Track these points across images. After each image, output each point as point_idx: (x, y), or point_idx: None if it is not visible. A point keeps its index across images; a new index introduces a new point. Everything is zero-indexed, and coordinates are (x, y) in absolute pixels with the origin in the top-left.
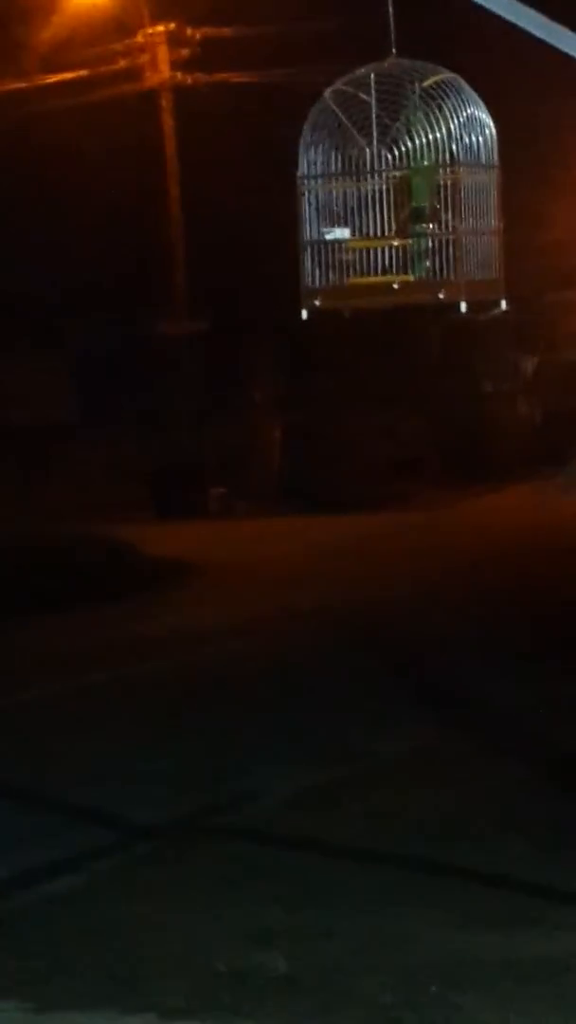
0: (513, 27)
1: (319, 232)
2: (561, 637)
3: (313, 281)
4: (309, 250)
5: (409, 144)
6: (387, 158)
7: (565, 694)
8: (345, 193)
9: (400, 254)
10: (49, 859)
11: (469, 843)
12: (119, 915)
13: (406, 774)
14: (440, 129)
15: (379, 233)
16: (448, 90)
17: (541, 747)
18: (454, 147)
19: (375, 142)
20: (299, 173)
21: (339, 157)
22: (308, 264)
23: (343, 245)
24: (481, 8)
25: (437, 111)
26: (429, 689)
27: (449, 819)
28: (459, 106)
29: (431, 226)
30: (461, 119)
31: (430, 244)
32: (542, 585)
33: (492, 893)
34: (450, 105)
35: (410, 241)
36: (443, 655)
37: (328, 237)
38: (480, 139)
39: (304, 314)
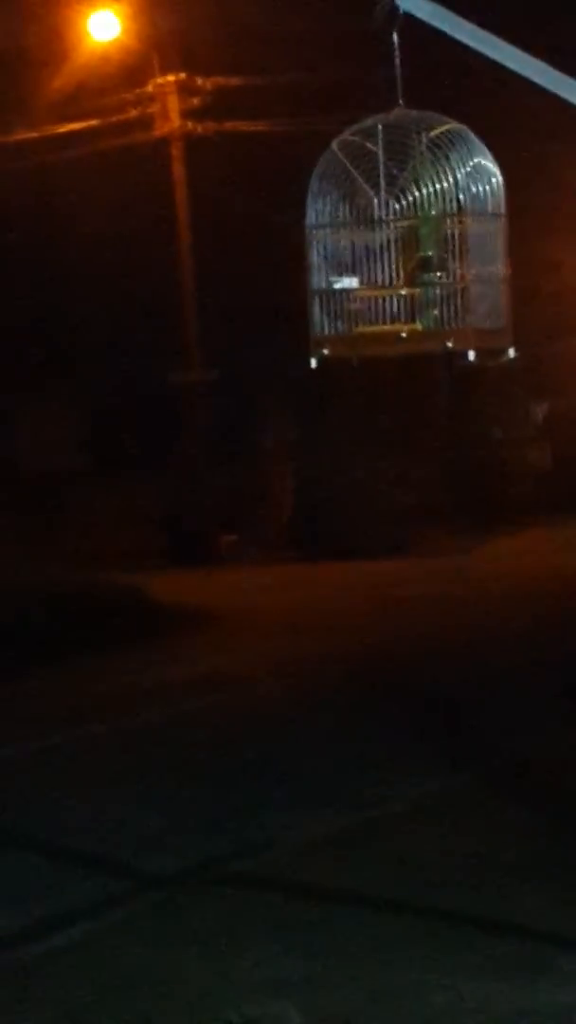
0: (518, 75)
1: (328, 281)
2: (574, 683)
3: (322, 330)
4: (318, 299)
5: (416, 194)
6: (395, 208)
7: None
8: (353, 242)
9: (408, 303)
10: (59, 910)
11: (482, 891)
12: (131, 965)
13: (418, 821)
14: (447, 179)
15: (387, 282)
16: (454, 140)
17: (555, 794)
18: (461, 196)
19: (383, 192)
20: (307, 222)
21: (347, 207)
22: (317, 313)
23: (351, 294)
24: (487, 58)
25: (444, 161)
26: (441, 735)
27: (462, 866)
28: (465, 156)
29: (439, 275)
30: (468, 169)
31: (438, 293)
32: (555, 631)
33: (506, 941)
34: (457, 155)
35: (418, 290)
36: (456, 701)
37: (336, 286)
38: (487, 188)
39: (313, 362)
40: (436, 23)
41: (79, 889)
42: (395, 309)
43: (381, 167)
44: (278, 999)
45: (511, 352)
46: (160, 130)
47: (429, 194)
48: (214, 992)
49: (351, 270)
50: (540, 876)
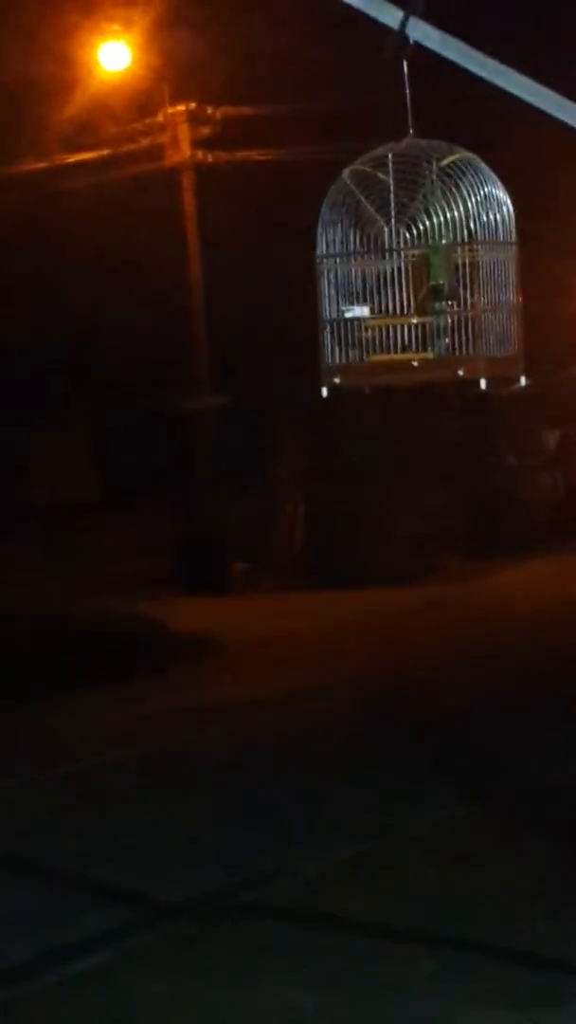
0: (528, 104)
1: (338, 310)
2: None
3: (333, 359)
4: (329, 328)
5: (427, 223)
6: (405, 237)
7: None
8: (364, 272)
9: (419, 331)
10: (72, 939)
11: (497, 920)
12: (143, 995)
13: (433, 850)
14: (458, 208)
15: (398, 311)
16: (465, 169)
17: (567, 821)
18: (472, 225)
19: (393, 221)
20: (318, 252)
21: (358, 236)
22: (328, 342)
23: (362, 323)
24: (497, 87)
25: (454, 190)
26: (455, 763)
27: (476, 895)
28: (476, 185)
29: (450, 303)
30: (478, 197)
31: (449, 321)
32: (569, 657)
33: (520, 970)
34: (467, 184)
35: (429, 319)
36: (469, 729)
37: (347, 315)
38: (498, 217)
39: (324, 391)
40: (446, 53)
41: (93, 919)
42: (406, 338)
43: (392, 196)
44: None
45: (522, 380)
46: (171, 160)
47: (440, 223)
48: (227, 1022)
49: (362, 299)
50: (556, 903)
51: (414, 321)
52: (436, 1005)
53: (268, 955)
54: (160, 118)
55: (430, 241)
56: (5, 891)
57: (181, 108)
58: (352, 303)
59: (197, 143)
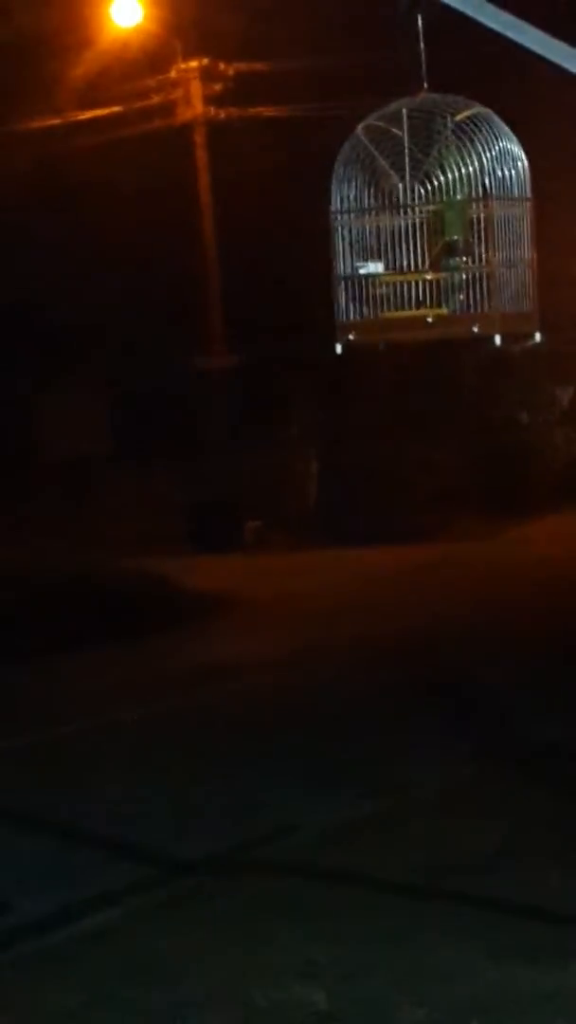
0: (543, 59)
1: (353, 267)
2: None
3: (347, 315)
4: (343, 284)
5: (441, 178)
6: (420, 192)
7: None
8: (378, 227)
9: (434, 288)
10: (88, 895)
11: (508, 875)
12: (158, 950)
13: (445, 807)
14: (472, 163)
15: (413, 267)
16: (480, 124)
17: None
18: (486, 181)
19: (408, 176)
20: (332, 208)
21: (372, 192)
22: (342, 298)
23: (377, 279)
24: (512, 41)
25: (469, 145)
26: (467, 721)
27: (488, 851)
28: (491, 140)
29: (464, 259)
30: (493, 153)
31: (463, 277)
32: None
33: (532, 925)
34: (482, 139)
35: (444, 275)
36: (482, 687)
37: (362, 271)
38: (512, 172)
39: (339, 348)
40: (460, 7)
41: (105, 875)
42: (421, 294)
43: (406, 152)
44: (304, 984)
45: (537, 336)
46: (183, 116)
47: (454, 178)
48: (241, 977)
49: (376, 255)
50: (567, 861)
51: (428, 277)
52: (449, 958)
53: (279, 910)
54: (172, 74)
55: (445, 197)
56: (17, 848)
57: (193, 64)
58: (366, 259)
59: (209, 100)
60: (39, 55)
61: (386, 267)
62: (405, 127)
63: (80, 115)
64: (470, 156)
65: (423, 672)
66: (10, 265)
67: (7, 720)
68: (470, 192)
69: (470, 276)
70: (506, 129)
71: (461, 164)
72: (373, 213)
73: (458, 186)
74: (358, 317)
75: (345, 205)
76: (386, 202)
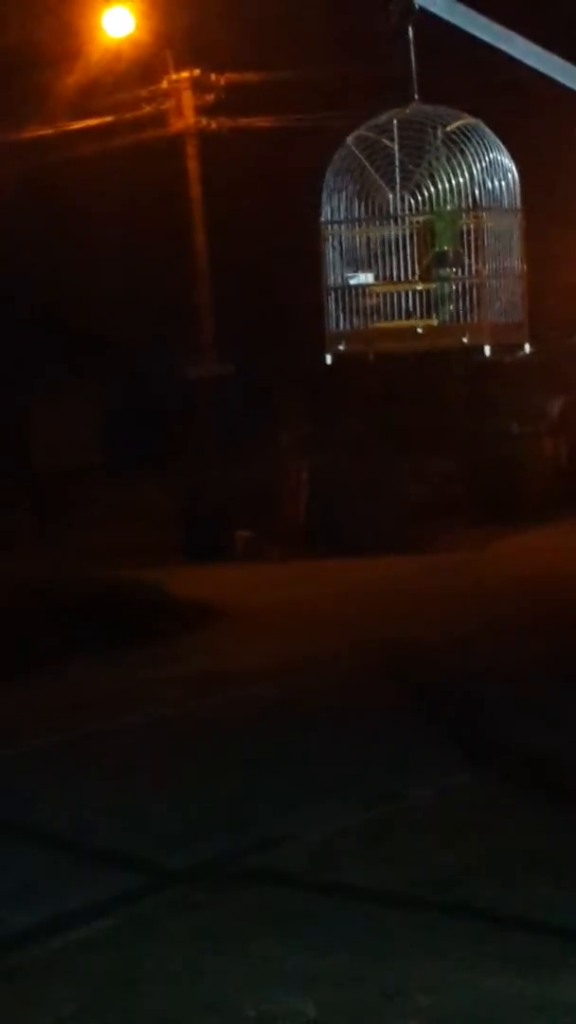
0: (533, 70)
1: (343, 277)
2: None
3: (337, 325)
4: (333, 295)
5: (432, 189)
6: (410, 203)
7: None
8: (369, 238)
9: (424, 298)
10: (77, 904)
11: (500, 886)
12: (148, 960)
13: (435, 817)
14: (463, 174)
15: (403, 277)
16: (470, 135)
17: (572, 788)
18: (476, 192)
19: (398, 187)
20: (322, 218)
21: (362, 202)
22: (332, 308)
23: (367, 290)
24: (502, 52)
25: (459, 156)
26: (458, 731)
27: (479, 862)
28: (481, 151)
29: (454, 270)
30: (483, 164)
31: (453, 288)
32: (572, 626)
33: (522, 936)
34: (472, 150)
35: (434, 285)
36: (473, 697)
37: (352, 282)
38: (503, 183)
39: (328, 358)
40: (451, 18)
41: (97, 885)
42: (411, 304)
43: (396, 162)
44: (294, 994)
45: (527, 347)
46: (174, 127)
47: (445, 189)
48: (231, 987)
49: (366, 266)
50: (558, 872)
51: (419, 288)
52: (438, 968)
53: (269, 921)
54: (164, 85)
55: (435, 207)
56: (11, 857)
57: (185, 75)
58: (356, 270)
59: (201, 110)
60: (31, 65)
61: (376, 277)
62: (395, 138)
63: (71, 125)
64: (461, 167)
65: (415, 683)
66: None
67: None
68: (460, 203)
69: (460, 287)
70: (496, 140)
71: (451, 175)
72: (363, 223)
73: (448, 197)
74: (348, 327)
75: (335, 215)
76: (376, 212)
